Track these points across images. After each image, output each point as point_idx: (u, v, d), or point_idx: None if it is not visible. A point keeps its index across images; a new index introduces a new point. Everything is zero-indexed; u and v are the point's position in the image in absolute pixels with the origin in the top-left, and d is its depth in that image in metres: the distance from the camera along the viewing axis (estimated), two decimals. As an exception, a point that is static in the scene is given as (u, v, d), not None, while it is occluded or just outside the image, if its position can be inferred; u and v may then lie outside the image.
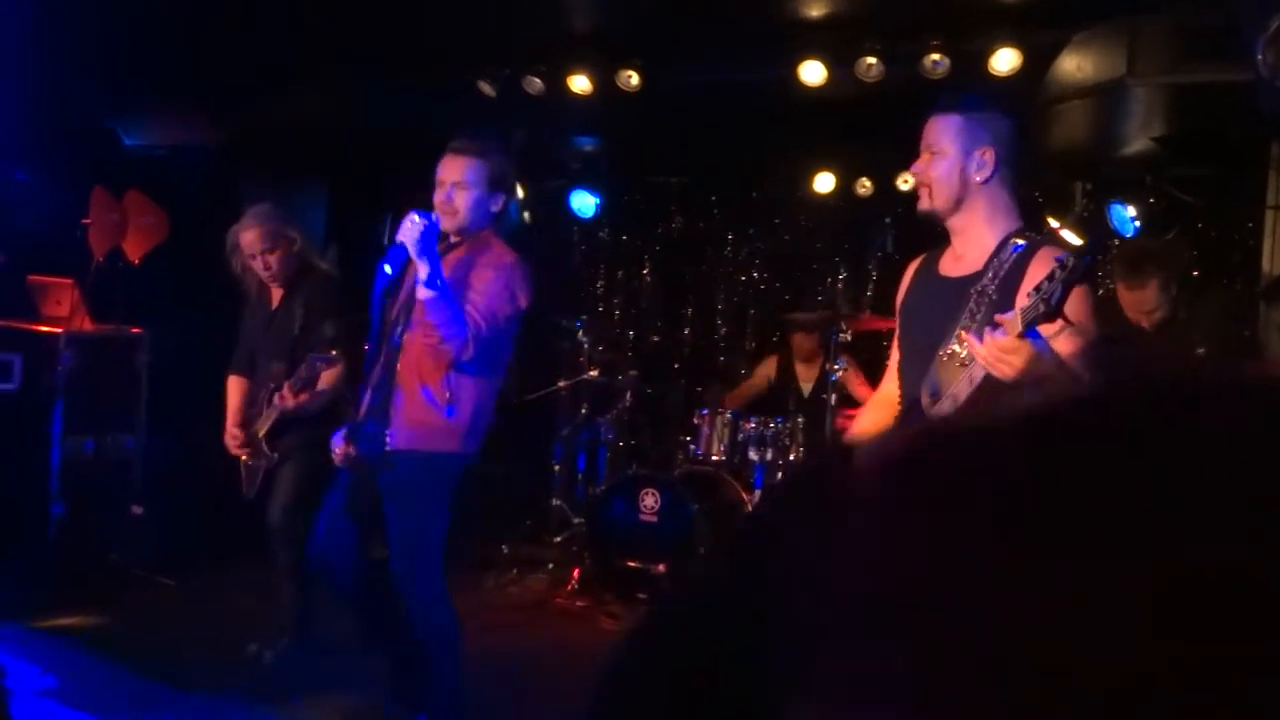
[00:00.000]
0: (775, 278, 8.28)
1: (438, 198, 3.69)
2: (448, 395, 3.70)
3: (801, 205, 8.04)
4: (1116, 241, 6.18)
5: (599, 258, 8.67)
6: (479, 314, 3.61)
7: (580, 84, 6.31)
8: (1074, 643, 0.41)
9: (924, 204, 3.06)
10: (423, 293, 3.50)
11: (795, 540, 0.53)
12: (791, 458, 6.36)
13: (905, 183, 7.37)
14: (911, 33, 5.59)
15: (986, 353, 2.53)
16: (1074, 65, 5.37)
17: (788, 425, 6.41)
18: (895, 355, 3.28)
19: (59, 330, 6.23)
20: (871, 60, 5.66)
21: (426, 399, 3.69)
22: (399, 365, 3.71)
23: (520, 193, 8.26)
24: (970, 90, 5.35)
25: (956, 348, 2.85)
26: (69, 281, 6.52)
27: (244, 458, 5.07)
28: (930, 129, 3.05)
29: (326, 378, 4.66)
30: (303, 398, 4.71)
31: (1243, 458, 0.43)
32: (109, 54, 5.95)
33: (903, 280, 3.35)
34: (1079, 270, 2.42)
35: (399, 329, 3.70)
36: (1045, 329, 2.55)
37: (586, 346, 7.19)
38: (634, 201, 8.57)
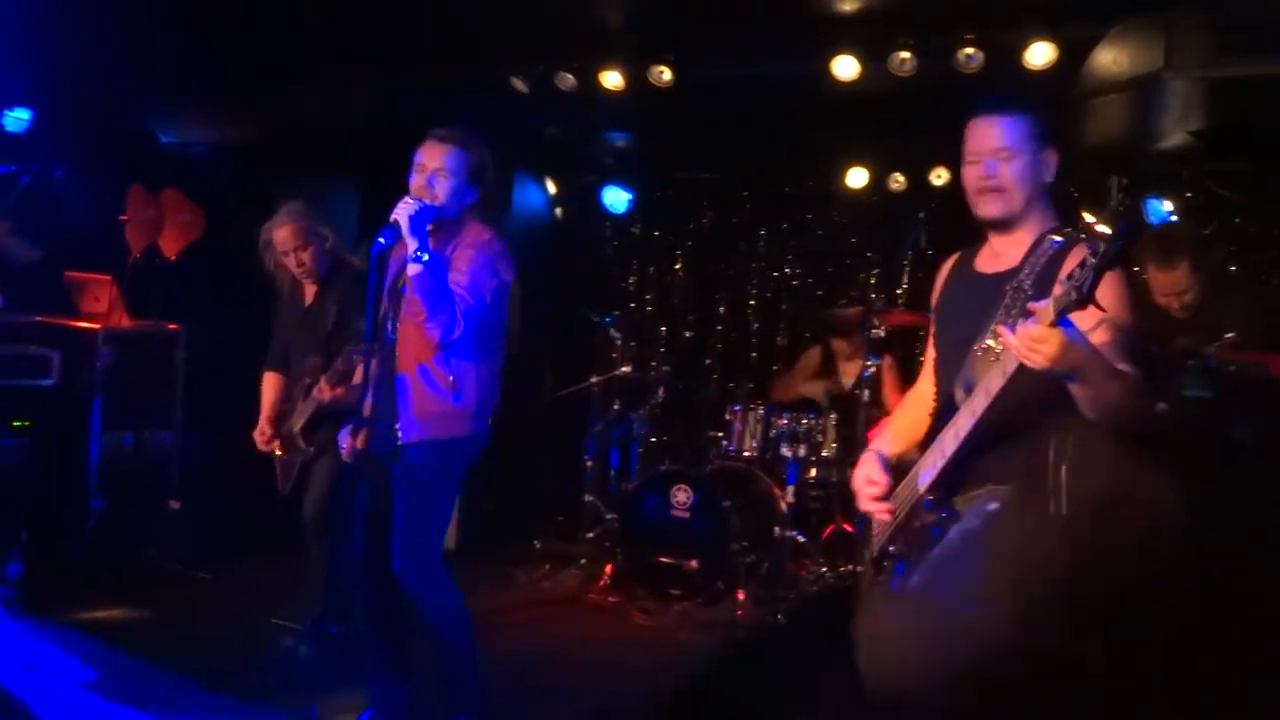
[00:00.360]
0: (808, 273, 8.25)
1: (417, 181, 3.71)
2: (451, 380, 3.74)
3: (834, 200, 8.00)
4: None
5: (631, 253, 8.66)
6: (465, 290, 3.67)
7: (612, 80, 6.30)
8: None
9: (996, 209, 2.99)
10: (412, 269, 3.58)
11: None
12: (824, 454, 6.34)
13: (939, 178, 7.34)
14: (945, 26, 5.55)
15: (1018, 342, 2.52)
16: (1110, 59, 5.32)
17: (820, 421, 6.39)
18: (931, 353, 3.28)
19: (97, 326, 6.30)
20: (905, 54, 5.63)
21: (431, 387, 3.73)
22: (397, 355, 3.76)
23: (552, 188, 8.33)
24: (1006, 85, 5.34)
25: (991, 343, 2.85)
26: (107, 278, 6.59)
27: (276, 453, 5.11)
28: (996, 130, 2.98)
29: (363, 371, 4.70)
30: (339, 391, 4.76)
31: None
32: (145, 53, 5.99)
33: (938, 278, 3.35)
34: (1110, 256, 2.40)
35: (391, 323, 3.76)
36: (1080, 321, 2.53)
37: (619, 342, 7.20)
38: (666, 197, 8.56)
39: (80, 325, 6.34)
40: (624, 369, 7.07)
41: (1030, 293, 2.82)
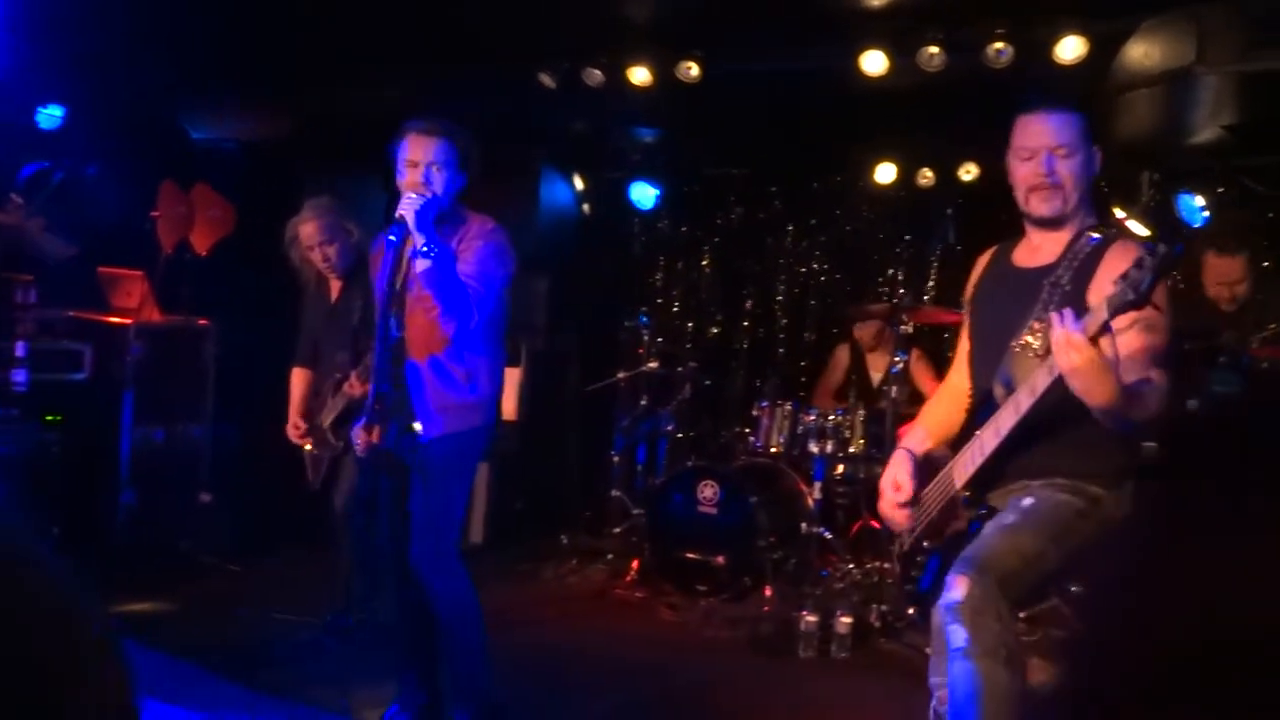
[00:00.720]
0: (836, 269, 8.22)
1: (413, 178, 3.69)
2: (466, 373, 3.76)
3: (862, 196, 7.97)
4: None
5: (659, 249, 8.66)
6: (475, 280, 3.68)
7: (640, 76, 6.30)
8: None
9: (1053, 207, 2.98)
10: (420, 264, 3.58)
11: None
12: (852, 450, 6.33)
13: (968, 173, 7.30)
14: (974, 21, 5.52)
15: (1057, 336, 2.53)
16: (1141, 53, 5.28)
17: (848, 417, 6.36)
18: (964, 345, 3.27)
19: (128, 321, 6.36)
20: (934, 49, 5.60)
21: (446, 381, 3.75)
22: (408, 349, 3.77)
23: (579, 184, 8.34)
24: (1037, 80, 5.31)
25: (1030, 338, 2.85)
26: (138, 273, 6.65)
27: (308, 447, 5.14)
28: (1054, 127, 2.97)
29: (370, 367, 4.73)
30: (370, 386, 4.78)
31: None
32: (177, 50, 6.04)
33: (974, 270, 3.34)
34: (1171, 258, 2.42)
35: (396, 319, 3.73)
36: (1117, 321, 2.53)
37: (646, 338, 7.20)
38: (694, 193, 8.55)
39: (112, 320, 6.39)
40: (651, 365, 7.07)
41: (1068, 289, 2.82)
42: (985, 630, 2.71)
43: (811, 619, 5.30)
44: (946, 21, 5.60)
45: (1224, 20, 4.98)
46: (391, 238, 3.58)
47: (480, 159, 3.84)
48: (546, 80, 6.40)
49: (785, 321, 8.30)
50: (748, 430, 6.76)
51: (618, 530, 7.05)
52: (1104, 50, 5.34)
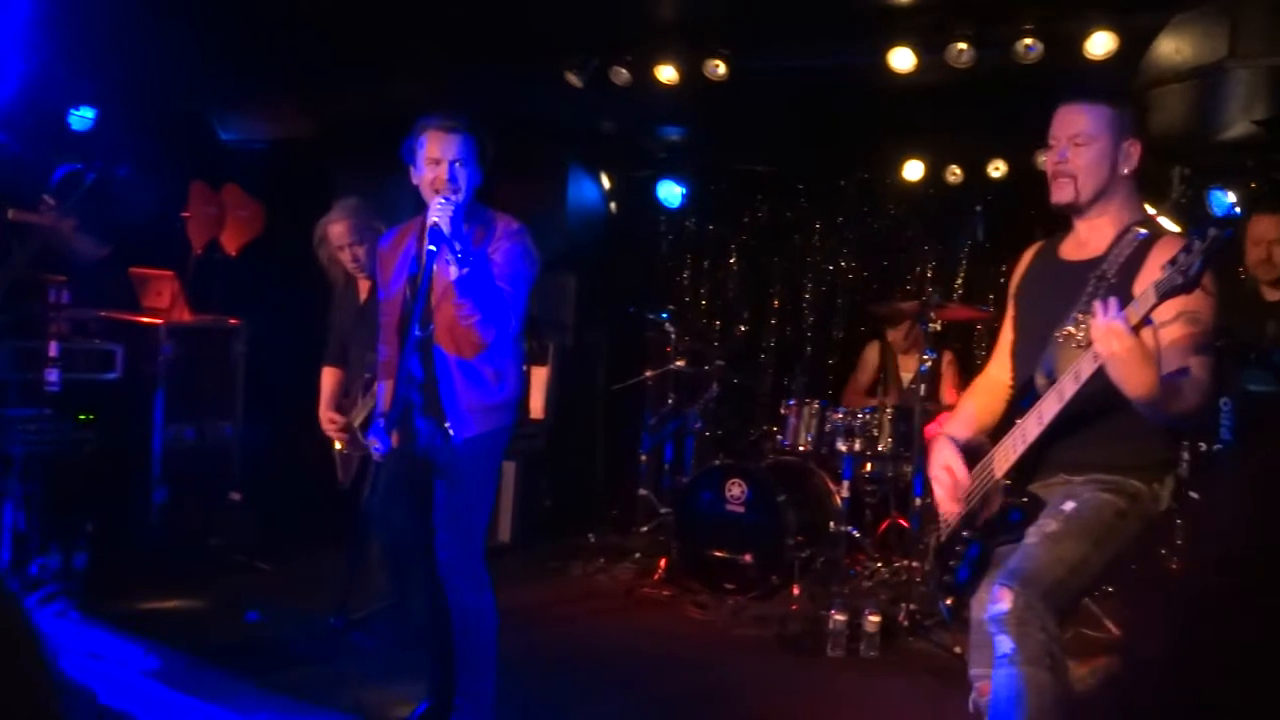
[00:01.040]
0: (863, 266, 8.19)
1: (438, 174, 3.65)
2: (495, 373, 3.75)
3: (890, 193, 7.94)
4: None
5: (686, 247, 8.65)
6: (508, 283, 3.67)
7: (667, 74, 6.30)
8: None
9: (1065, 195, 3.01)
10: (453, 273, 3.55)
11: None
12: (880, 448, 6.30)
13: (997, 170, 7.26)
14: (1003, 16, 5.49)
15: (1098, 323, 2.55)
16: (1172, 48, 5.23)
17: (876, 416, 6.34)
18: (1007, 337, 3.28)
19: (159, 321, 6.41)
20: (962, 46, 5.57)
21: (476, 383, 3.73)
22: (436, 350, 3.73)
23: (606, 183, 8.34)
24: (1074, 75, 5.27)
25: (1073, 329, 2.85)
26: (169, 273, 6.70)
27: (338, 446, 5.16)
28: (1076, 117, 3.01)
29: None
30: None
31: None
32: (207, 51, 6.08)
33: (1019, 264, 3.34)
34: (1221, 241, 2.43)
35: (420, 317, 3.66)
36: (1162, 312, 2.54)
37: (673, 336, 7.20)
38: (721, 191, 8.54)
39: (143, 320, 6.45)
40: (678, 363, 7.07)
41: (1114, 282, 2.82)
42: (1030, 640, 2.72)
43: (839, 618, 5.29)
44: (975, 17, 5.57)
45: (1256, 14, 4.93)
46: (432, 247, 3.53)
47: (498, 155, 3.82)
48: (574, 79, 6.41)
49: (813, 319, 8.28)
50: (775, 428, 6.75)
51: (645, 529, 7.06)
52: (1135, 45, 5.30)
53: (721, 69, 6.12)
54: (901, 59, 5.75)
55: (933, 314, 6.00)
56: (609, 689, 4.75)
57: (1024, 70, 5.48)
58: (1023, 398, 3.03)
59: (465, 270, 3.54)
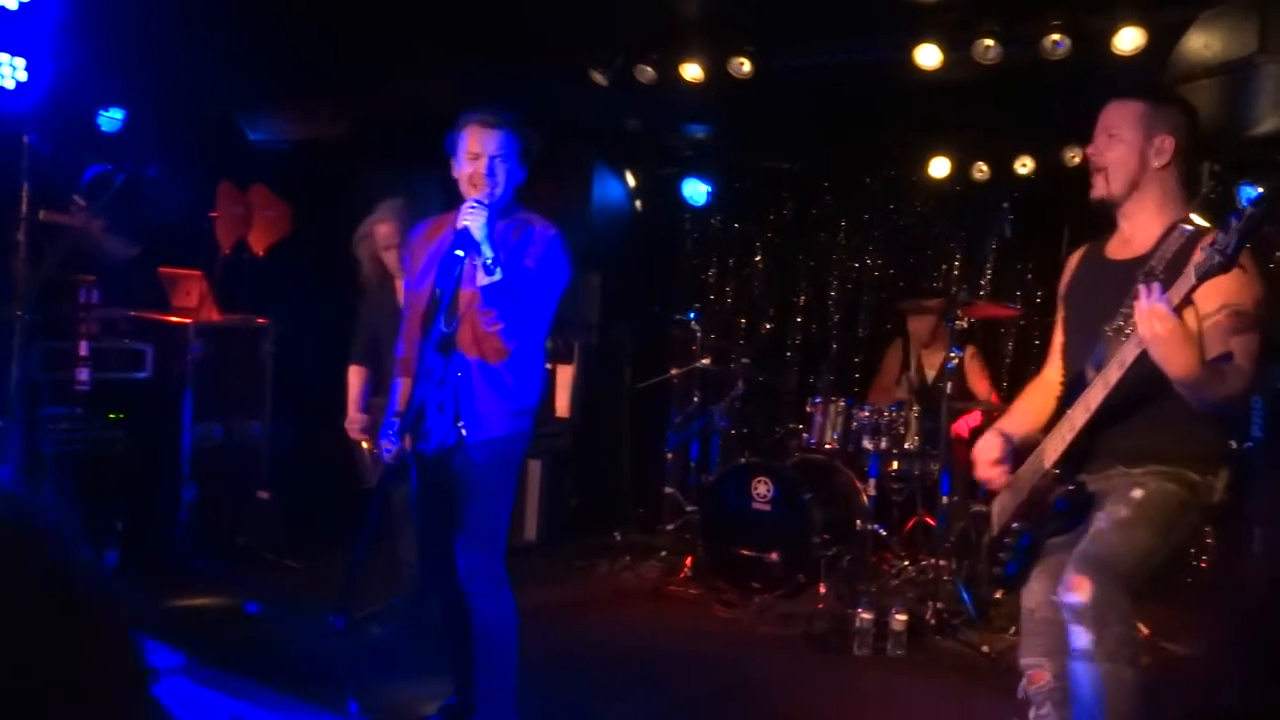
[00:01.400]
0: (889, 264, 8.16)
1: (477, 168, 3.61)
2: (516, 379, 3.70)
3: (916, 190, 7.91)
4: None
5: (711, 245, 8.64)
6: (540, 292, 3.64)
7: (692, 72, 6.30)
8: None
9: (1099, 190, 3.08)
10: (481, 279, 3.51)
11: None
12: (906, 446, 6.28)
13: (1024, 167, 7.22)
14: (1031, 12, 5.46)
15: (1141, 305, 2.58)
16: (1201, 43, 5.19)
17: (902, 414, 6.32)
18: (1058, 338, 3.32)
19: (188, 320, 6.46)
20: (989, 42, 5.54)
21: (496, 386, 3.68)
22: (458, 354, 3.67)
23: (631, 181, 8.34)
24: (1102, 72, 5.24)
25: (1121, 323, 2.87)
26: (197, 273, 6.75)
27: (365, 445, 5.19)
28: (1110, 113, 3.08)
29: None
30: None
31: None
32: (235, 52, 6.11)
33: (1066, 267, 3.38)
34: (1257, 218, 2.44)
35: (443, 319, 3.62)
36: (1205, 301, 2.63)
37: (699, 335, 7.19)
38: (746, 188, 8.53)
39: (172, 320, 6.49)
40: (704, 361, 7.07)
41: (1162, 278, 2.83)
42: (1110, 632, 2.72)
43: (866, 616, 5.28)
44: (1002, 13, 5.55)
45: (1287, 8, 4.89)
46: (460, 253, 3.50)
47: (537, 154, 3.81)
48: (599, 77, 6.41)
49: (838, 317, 8.25)
50: (801, 426, 6.74)
51: (671, 527, 7.06)
52: (1163, 41, 5.27)
53: (746, 66, 6.11)
54: (928, 55, 5.73)
55: (960, 311, 5.97)
56: (635, 687, 4.76)
57: (1052, 66, 5.44)
58: (1072, 390, 3.06)
59: (495, 279, 3.49)
